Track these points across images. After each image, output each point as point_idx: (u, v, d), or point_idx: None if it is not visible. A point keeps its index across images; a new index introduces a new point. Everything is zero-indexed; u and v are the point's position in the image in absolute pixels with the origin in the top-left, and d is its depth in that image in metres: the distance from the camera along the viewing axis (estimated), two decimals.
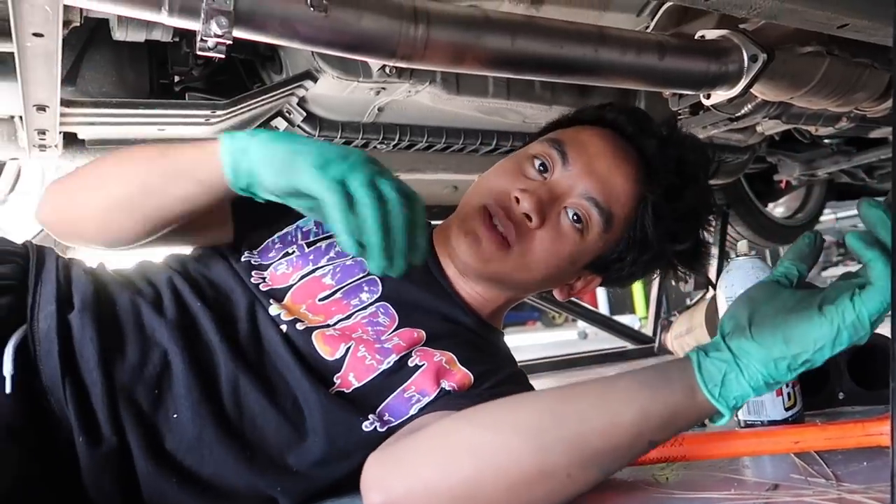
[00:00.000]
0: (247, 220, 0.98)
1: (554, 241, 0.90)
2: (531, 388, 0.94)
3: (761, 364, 0.65)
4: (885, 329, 0.64)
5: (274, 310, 0.86)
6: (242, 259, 0.93)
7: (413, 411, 0.82)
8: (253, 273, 0.91)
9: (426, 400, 0.83)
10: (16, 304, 0.78)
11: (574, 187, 0.90)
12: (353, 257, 0.93)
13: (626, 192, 0.91)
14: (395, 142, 1.63)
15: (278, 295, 0.88)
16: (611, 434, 0.68)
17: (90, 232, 0.89)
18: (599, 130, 0.97)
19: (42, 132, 1.21)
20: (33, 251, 0.87)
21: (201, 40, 0.84)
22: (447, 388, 0.84)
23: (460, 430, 0.72)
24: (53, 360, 0.74)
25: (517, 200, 0.89)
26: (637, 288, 5.10)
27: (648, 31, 1.29)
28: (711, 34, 1.25)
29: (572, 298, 1.11)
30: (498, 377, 0.88)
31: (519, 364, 0.99)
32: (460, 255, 0.92)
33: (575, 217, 0.90)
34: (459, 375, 0.86)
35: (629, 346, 2.86)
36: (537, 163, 0.93)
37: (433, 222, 1.10)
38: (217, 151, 0.75)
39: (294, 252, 0.93)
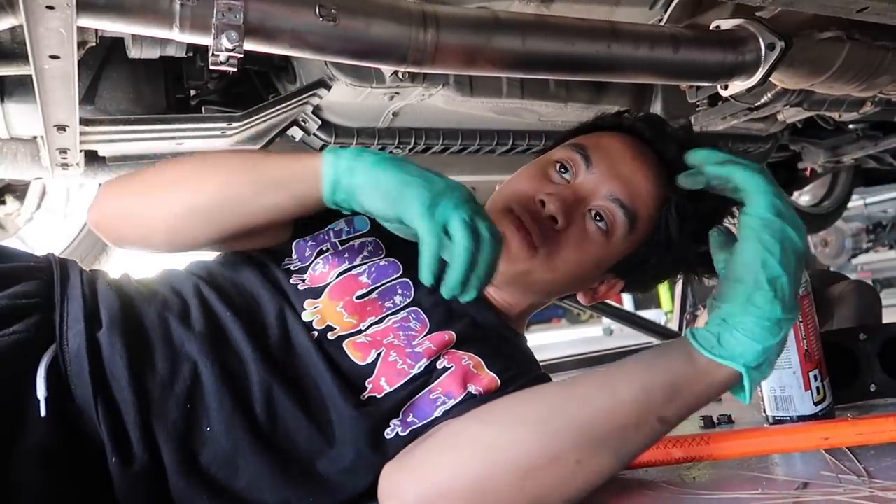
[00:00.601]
0: (302, 222, 0.97)
1: (580, 243, 0.90)
2: None
3: (743, 312, 0.68)
4: None
5: (307, 315, 0.86)
6: (283, 266, 0.92)
7: (437, 413, 0.82)
8: (293, 276, 0.91)
9: (451, 403, 0.82)
10: (43, 323, 0.78)
11: (598, 189, 0.91)
12: (385, 257, 0.94)
13: (650, 192, 0.92)
14: (410, 146, 1.63)
15: (315, 293, 0.88)
16: (614, 413, 0.69)
17: (157, 236, 0.86)
18: (620, 135, 0.98)
19: (63, 151, 1.23)
20: (56, 265, 0.86)
21: (213, 55, 0.85)
22: (473, 392, 0.84)
23: (468, 429, 0.74)
24: (85, 381, 0.74)
25: (542, 203, 0.89)
26: None
27: (662, 23, 1.27)
28: (727, 24, 1.23)
29: None
30: (523, 380, 0.87)
31: (545, 362, 0.98)
32: None
33: (599, 218, 0.90)
34: (487, 380, 0.85)
35: (655, 341, 2.83)
36: (560, 167, 0.94)
37: None
38: (318, 167, 0.76)
39: (328, 250, 0.93)
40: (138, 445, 0.74)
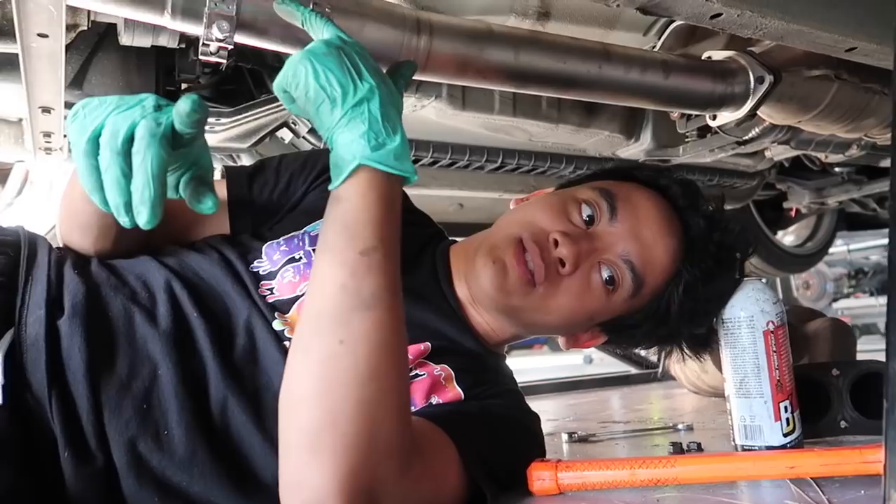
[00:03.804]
0: (247, 217, 0.99)
1: (580, 293, 0.89)
2: (524, 405, 0.92)
3: (332, 131, 0.67)
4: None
5: (277, 325, 0.84)
6: (251, 268, 0.90)
7: None
8: (261, 284, 0.88)
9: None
10: (3, 306, 0.76)
11: (615, 245, 0.89)
12: None
13: (663, 264, 0.91)
14: None
15: (284, 307, 0.86)
16: (325, 285, 0.67)
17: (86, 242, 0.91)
18: (652, 195, 0.96)
19: (48, 135, 1.22)
20: (25, 241, 0.84)
21: (203, 44, 0.85)
22: (433, 403, 0.83)
23: None
24: (40, 371, 0.72)
25: (556, 243, 0.88)
26: None
27: (655, 50, 1.29)
28: (718, 55, 1.24)
29: None
30: (487, 391, 0.86)
31: (523, 384, 0.97)
32: (482, 281, 0.90)
33: (608, 276, 0.88)
34: (452, 394, 0.84)
35: (633, 370, 2.83)
36: (584, 209, 0.92)
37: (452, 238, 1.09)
38: None
39: (301, 259, 0.91)
40: (92, 442, 0.72)
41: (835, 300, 6.56)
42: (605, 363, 3.88)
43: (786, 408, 0.97)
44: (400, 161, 0.68)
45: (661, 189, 0.97)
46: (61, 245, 0.94)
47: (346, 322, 0.65)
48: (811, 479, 0.79)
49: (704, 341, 1.00)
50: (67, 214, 0.91)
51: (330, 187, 0.70)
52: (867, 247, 6.46)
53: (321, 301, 0.67)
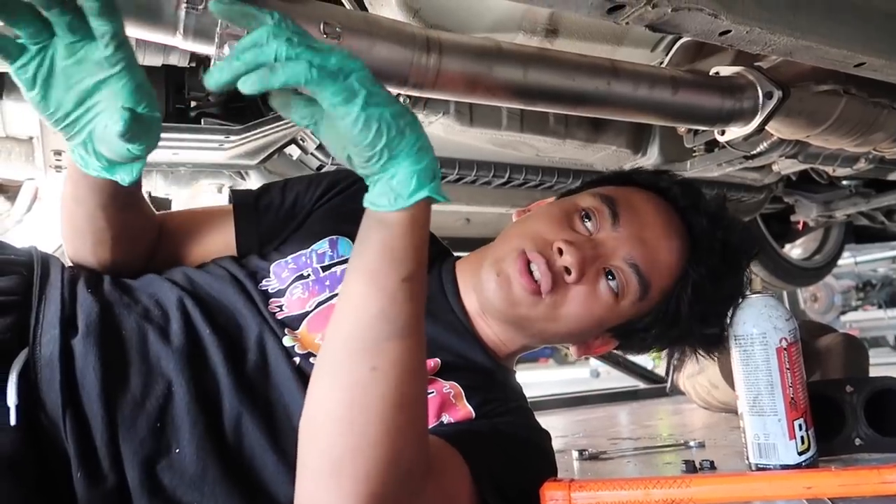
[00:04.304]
0: (253, 235, 0.98)
1: (587, 299, 0.89)
2: (535, 423, 0.91)
3: (390, 159, 0.63)
4: None
5: (288, 341, 0.84)
6: (260, 287, 0.90)
7: None
8: (270, 301, 0.88)
9: None
10: (17, 325, 0.76)
11: (619, 249, 0.89)
12: None
13: (669, 266, 0.91)
14: None
15: (293, 323, 0.86)
16: (362, 312, 0.65)
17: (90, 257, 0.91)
18: (653, 197, 0.96)
19: (58, 153, 1.23)
20: (38, 261, 0.84)
21: (214, 64, 0.85)
22: (444, 422, 0.82)
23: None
24: (55, 392, 0.72)
25: (560, 252, 0.88)
26: None
27: (663, 66, 1.29)
28: (726, 71, 1.24)
29: None
30: (497, 409, 0.86)
31: (530, 400, 0.96)
32: (487, 293, 0.90)
33: (612, 278, 0.89)
34: (463, 412, 0.84)
35: (641, 385, 2.81)
36: (585, 216, 0.92)
37: (457, 253, 1.09)
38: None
39: (310, 276, 0.91)
40: (105, 462, 0.71)
41: (843, 313, 6.53)
42: (612, 377, 3.86)
43: (800, 426, 0.96)
44: (436, 168, 0.66)
45: (662, 191, 0.98)
46: (71, 263, 0.94)
47: (379, 350, 0.65)
48: (828, 499, 0.78)
49: (717, 340, 1.00)
50: (63, 221, 0.90)
51: (376, 208, 0.65)
52: (875, 259, 6.45)
53: (353, 325, 0.66)
